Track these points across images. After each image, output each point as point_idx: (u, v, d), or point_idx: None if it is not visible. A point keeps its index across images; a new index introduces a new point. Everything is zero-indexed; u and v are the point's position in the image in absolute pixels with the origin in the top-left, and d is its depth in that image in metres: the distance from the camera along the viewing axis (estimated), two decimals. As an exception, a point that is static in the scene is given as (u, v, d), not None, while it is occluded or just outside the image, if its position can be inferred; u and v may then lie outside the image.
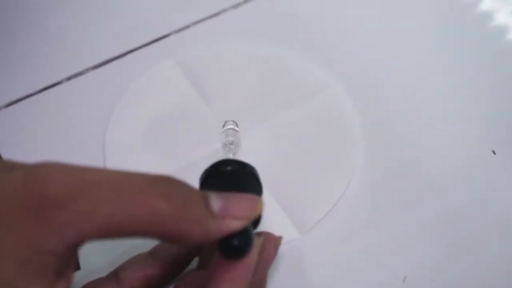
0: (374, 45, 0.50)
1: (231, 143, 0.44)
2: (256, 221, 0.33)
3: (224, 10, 0.52)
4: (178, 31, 0.51)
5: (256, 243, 0.32)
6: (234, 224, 0.29)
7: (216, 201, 0.29)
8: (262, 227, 0.41)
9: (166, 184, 0.28)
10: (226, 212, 0.29)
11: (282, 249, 0.40)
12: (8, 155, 0.45)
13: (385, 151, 0.45)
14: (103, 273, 0.39)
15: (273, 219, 0.42)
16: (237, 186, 0.32)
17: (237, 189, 0.32)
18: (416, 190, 0.43)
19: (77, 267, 0.39)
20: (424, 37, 0.51)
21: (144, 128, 0.46)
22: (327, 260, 0.40)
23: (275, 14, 0.52)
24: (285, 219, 0.42)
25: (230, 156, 0.44)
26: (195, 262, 0.38)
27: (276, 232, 0.39)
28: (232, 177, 0.34)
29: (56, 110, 0.47)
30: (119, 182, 0.27)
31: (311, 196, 0.43)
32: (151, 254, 0.36)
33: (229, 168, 0.34)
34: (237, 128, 0.44)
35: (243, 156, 0.44)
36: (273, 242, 0.36)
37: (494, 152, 0.44)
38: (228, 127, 0.44)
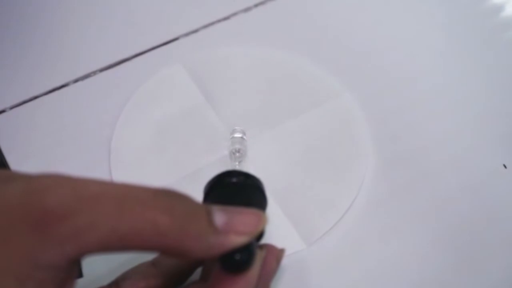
0: (386, 54, 0.50)
1: (238, 151, 0.43)
2: (260, 235, 0.33)
3: (234, 14, 0.52)
4: (187, 34, 0.51)
5: (258, 257, 0.32)
6: (237, 240, 0.29)
7: (219, 216, 0.29)
8: (268, 236, 0.40)
9: (169, 198, 0.28)
10: (229, 227, 0.29)
11: (287, 260, 0.40)
12: (13, 158, 0.45)
13: (395, 163, 0.44)
14: (106, 281, 0.39)
15: (279, 229, 0.42)
16: (241, 199, 0.32)
17: (242, 202, 0.32)
18: (426, 204, 0.43)
19: (80, 275, 0.39)
20: (437, 49, 0.50)
21: (151, 133, 0.46)
22: (332, 273, 0.40)
23: (287, 19, 0.52)
24: (291, 229, 0.42)
25: (236, 164, 0.43)
26: (198, 273, 0.38)
27: (281, 242, 0.39)
28: (237, 189, 0.33)
29: (62, 113, 0.47)
30: (120, 196, 0.27)
31: (318, 207, 0.43)
32: (154, 263, 0.36)
33: (234, 179, 0.33)
34: (244, 137, 0.44)
35: (250, 163, 0.44)
36: (275, 255, 0.35)
37: (505, 166, 0.44)
38: (236, 135, 0.44)
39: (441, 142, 0.45)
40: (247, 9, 0.52)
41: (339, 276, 0.40)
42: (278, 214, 0.42)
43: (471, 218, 0.42)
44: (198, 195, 0.42)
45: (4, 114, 0.47)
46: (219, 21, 0.52)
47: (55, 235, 0.26)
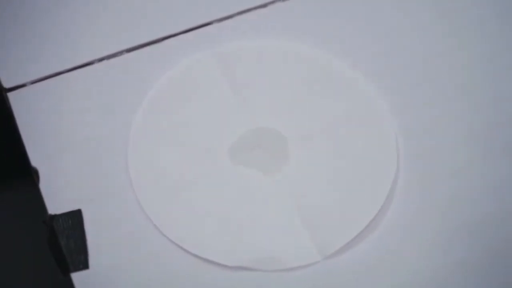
0: (434, 64, 0.49)
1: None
2: None
3: (272, 2, 0.51)
4: (220, 20, 0.51)
5: None
6: None
7: None
8: (281, 245, 0.41)
9: None
10: None
11: (299, 272, 0.40)
12: (28, 135, 0.45)
13: (426, 181, 0.44)
14: (112, 273, 0.40)
15: (293, 238, 0.42)
16: None
17: None
18: (456, 227, 0.42)
19: (86, 266, 0.40)
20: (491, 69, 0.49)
21: (173, 123, 0.46)
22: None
23: (327, 13, 0.51)
24: (306, 239, 0.42)
25: None
26: None
27: (294, 252, 0.40)
28: None
29: (84, 92, 0.48)
30: None
31: (338, 219, 0.43)
32: None
33: None
34: None
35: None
36: None
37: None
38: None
39: (478, 164, 0.45)
40: (286, -2, 0.52)
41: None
42: (294, 222, 0.42)
43: (504, 244, 0.42)
44: (214, 197, 0.43)
45: (24, 89, 0.47)
46: (255, 8, 0.51)
47: None
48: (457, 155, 0.45)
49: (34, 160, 0.44)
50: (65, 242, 0.41)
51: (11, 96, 0.47)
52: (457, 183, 0.44)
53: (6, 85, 0.47)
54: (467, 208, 0.43)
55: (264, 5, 0.51)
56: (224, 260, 0.41)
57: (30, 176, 0.43)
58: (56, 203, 0.42)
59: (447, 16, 0.51)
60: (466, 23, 0.51)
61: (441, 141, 0.45)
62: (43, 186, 0.43)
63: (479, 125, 0.46)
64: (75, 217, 0.42)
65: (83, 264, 0.40)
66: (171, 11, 0.51)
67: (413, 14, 0.51)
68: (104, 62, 0.49)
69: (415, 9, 0.51)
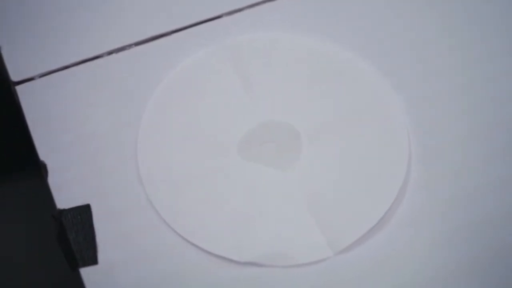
0: (455, 63, 0.49)
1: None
2: None
3: (282, -6, 0.51)
4: (230, 13, 0.51)
5: None
6: None
7: None
8: (290, 241, 0.41)
9: None
10: None
11: (310, 268, 0.40)
12: (37, 130, 0.45)
13: (438, 178, 0.44)
14: (120, 268, 0.40)
15: (303, 233, 0.42)
16: None
17: None
18: (465, 226, 0.42)
19: (95, 262, 0.40)
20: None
21: (184, 116, 0.46)
22: (360, 286, 0.40)
23: (339, 6, 0.51)
24: (317, 233, 0.42)
25: None
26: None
27: (305, 248, 0.39)
28: None
29: (93, 85, 0.48)
30: None
31: (350, 214, 0.42)
32: None
33: None
34: None
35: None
36: None
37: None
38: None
39: (490, 160, 0.44)
40: (298, -10, 0.52)
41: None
42: (305, 217, 0.42)
43: (504, 244, 0.41)
44: (224, 192, 0.43)
45: (32, 82, 0.47)
46: (265, 1, 0.51)
47: None
48: (458, 154, 0.45)
49: (43, 154, 0.44)
50: (74, 237, 0.41)
51: (19, 89, 0.47)
52: (460, 182, 0.44)
53: (14, 78, 0.47)
54: (468, 208, 0.43)
55: (275, -3, 0.51)
56: (234, 255, 0.41)
57: (38, 170, 0.44)
58: (64, 197, 0.43)
59: (448, 15, 0.51)
60: (467, 22, 0.50)
61: (444, 141, 0.45)
62: (52, 180, 0.43)
63: (480, 125, 0.46)
64: (84, 212, 0.42)
65: (92, 259, 0.40)
66: (181, 4, 0.51)
67: (423, 12, 0.51)
68: (113, 55, 0.49)
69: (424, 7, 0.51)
